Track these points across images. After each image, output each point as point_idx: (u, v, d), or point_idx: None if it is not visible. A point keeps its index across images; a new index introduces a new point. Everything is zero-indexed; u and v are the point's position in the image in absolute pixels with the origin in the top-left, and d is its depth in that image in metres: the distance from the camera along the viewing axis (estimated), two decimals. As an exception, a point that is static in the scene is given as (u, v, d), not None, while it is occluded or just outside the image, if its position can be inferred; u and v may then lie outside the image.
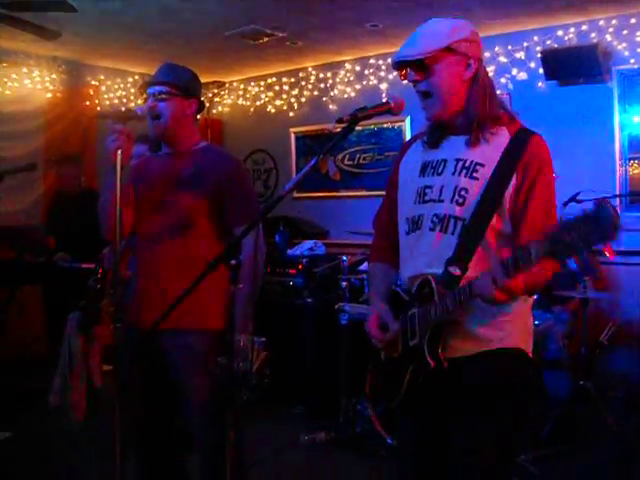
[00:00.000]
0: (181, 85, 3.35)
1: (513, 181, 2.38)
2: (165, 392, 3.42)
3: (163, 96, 3.31)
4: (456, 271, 2.35)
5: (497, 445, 2.43)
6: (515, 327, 2.48)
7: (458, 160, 2.49)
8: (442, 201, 2.48)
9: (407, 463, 2.73)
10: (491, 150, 2.45)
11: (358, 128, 8.09)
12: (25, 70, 8.02)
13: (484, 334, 2.42)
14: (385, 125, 8.16)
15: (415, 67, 2.50)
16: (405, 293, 2.61)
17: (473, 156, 2.47)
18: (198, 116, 3.62)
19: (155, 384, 3.42)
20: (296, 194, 8.87)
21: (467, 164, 2.46)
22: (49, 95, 8.26)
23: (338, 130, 2.40)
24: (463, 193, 2.43)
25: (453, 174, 2.48)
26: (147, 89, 3.39)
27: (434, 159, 2.58)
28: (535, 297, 4.81)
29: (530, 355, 2.54)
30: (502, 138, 2.47)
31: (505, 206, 2.39)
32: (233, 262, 2.41)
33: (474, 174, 2.44)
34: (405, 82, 2.59)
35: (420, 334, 2.43)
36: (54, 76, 8.28)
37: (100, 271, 4.58)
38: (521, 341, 2.51)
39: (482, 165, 2.43)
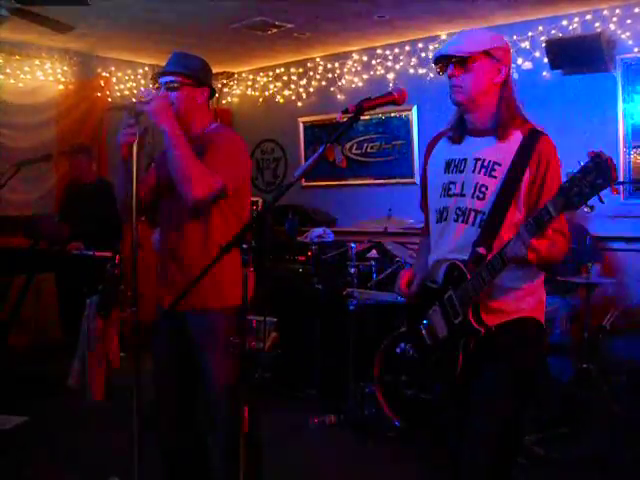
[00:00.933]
0: (191, 74, 3.40)
1: (526, 176, 2.70)
2: (188, 371, 3.48)
3: (174, 85, 3.36)
4: (483, 250, 2.70)
5: (514, 391, 2.77)
6: (530, 301, 2.83)
7: (477, 159, 2.81)
8: (464, 195, 2.83)
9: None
10: (506, 150, 2.76)
11: (366, 117, 8.23)
12: (37, 62, 8.12)
13: (506, 307, 2.78)
14: (392, 114, 8.21)
15: (456, 63, 2.80)
16: (432, 283, 2.96)
17: (491, 156, 2.79)
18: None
19: (178, 363, 3.48)
20: (305, 183, 8.98)
21: (486, 163, 2.79)
22: (61, 87, 8.38)
23: (344, 120, 2.57)
24: (483, 189, 2.77)
25: (473, 172, 2.82)
26: (158, 79, 3.45)
27: (456, 157, 2.91)
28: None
29: (543, 323, 2.89)
30: (516, 139, 2.77)
31: (520, 198, 2.72)
32: (245, 246, 2.52)
33: (492, 173, 2.76)
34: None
35: (463, 311, 2.74)
36: (66, 68, 8.40)
37: (117, 257, 4.69)
38: (536, 312, 2.85)
39: (499, 164, 2.75)
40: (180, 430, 3.55)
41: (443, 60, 2.86)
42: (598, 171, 2.19)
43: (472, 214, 2.79)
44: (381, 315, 5.74)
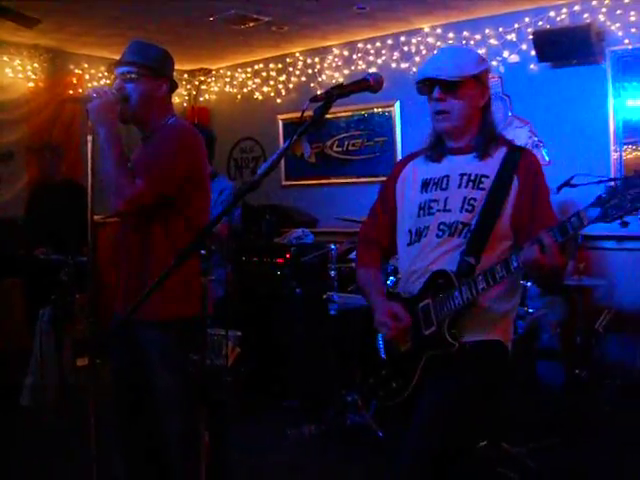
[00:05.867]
0: (149, 64, 3.19)
1: (515, 184, 2.69)
2: (143, 384, 3.28)
3: (131, 76, 3.16)
4: (471, 260, 2.63)
5: (467, 407, 2.67)
6: (504, 324, 2.79)
7: (462, 175, 2.77)
8: (449, 210, 2.75)
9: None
10: (492, 163, 2.75)
11: (347, 114, 8.08)
12: (6, 59, 7.88)
13: (479, 327, 2.69)
14: (374, 110, 8.03)
15: (442, 87, 2.74)
16: (404, 293, 2.85)
17: (477, 170, 2.76)
18: (178, 101, 3.49)
19: (133, 374, 3.30)
20: (284, 182, 8.82)
21: (472, 177, 2.75)
22: (31, 84, 8.13)
23: (313, 109, 2.42)
24: (472, 202, 2.71)
25: (459, 187, 2.76)
26: (115, 69, 3.25)
27: (435, 176, 2.85)
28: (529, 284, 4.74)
29: (508, 348, 2.82)
30: (500, 153, 2.78)
31: (508, 210, 2.68)
32: (202, 252, 2.29)
33: (480, 185, 2.73)
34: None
35: (438, 322, 2.64)
36: (36, 65, 8.14)
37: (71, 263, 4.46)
38: (506, 335, 2.80)
39: (487, 177, 2.73)
40: (140, 442, 3.37)
41: (428, 81, 2.78)
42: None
43: (460, 226, 2.71)
44: (363, 320, 5.52)
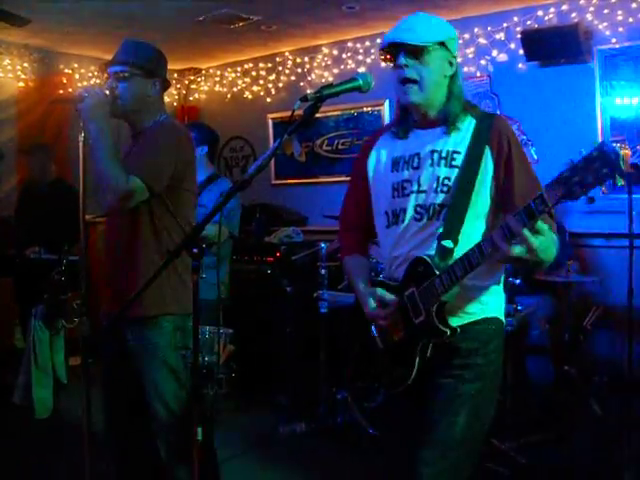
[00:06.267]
0: (142, 64, 3.21)
1: (488, 159, 2.57)
2: (133, 383, 3.29)
3: (123, 75, 3.18)
4: (449, 244, 2.53)
5: (478, 397, 2.61)
6: (494, 300, 2.72)
7: (433, 152, 2.64)
8: (424, 191, 2.64)
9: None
10: (461, 137, 2.63)
11: (337, 113, 8.08)
12: (-5, 58, 7.87)
13: (470, 307, 2.64)
14: (364, 109, 8.03)
15: (408, 53, 2.58)
16: (389, 280, 2.77)
17: (447, 146, 2.63)
18: (168, 100, 3.50)
19: (119, 378, 3.32)
20: (274, 181, 8.82)
21: (444, 154, 2.62)
22: (21, 84, 8.12)
23: (303, 109, 2.44)
24: (446, 182, 2.59)
25: (432, 165, 2.63)
26: (107, 69, 3.26)
27: (405, 154, 2.73)
28: (518, 282, 4.76)
29: (503, 322, 2.78)
30: (469, 124, 2.66)
31: (485, 184, 2.58)
32: (195, 250, 2.31)
33: (453, 162, 2.60)
34: (384, 65, 2.66)
35: (426, 310, 2.55)
36: (26, 64, 8.12)
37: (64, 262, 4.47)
38: (499, 311, 2.75)
39: (458, 152, 2.61)
40: (131, 441, 3.39)
41: (392, 48, 2.63)
42: (604, 160, 2.02)
43: (437, 208, 2.60)
44: (353, 318, 5.54)
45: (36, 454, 4.92)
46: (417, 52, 2.57)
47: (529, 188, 2.46)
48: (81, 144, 3.09)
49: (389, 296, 2.67)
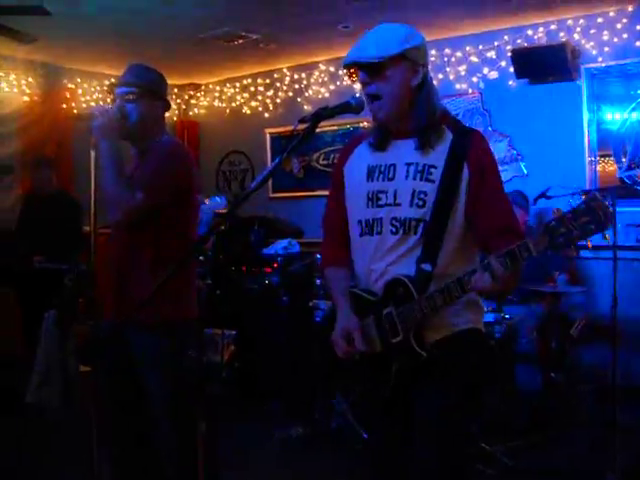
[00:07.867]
0: (148, 86, 3.36)
1: (465, 175, 2.50)
2: (135, 387, 3.37)
3: (130, 97, 3.31)
4: (427, 267, 2.48)
5: (459, 409, 2.58)
6: (471, 311, 2.63)
7: (409, 164, 2.58)
8: (399, 205, 2.57)
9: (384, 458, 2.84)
10: (438, 151, 2.55)
11: (333, 128, 8.19)
12: (1, 74, 8.00)
13: (450, 321, 2.57)
14: (360, 125, 8.10)
15: (367, 70, 2.54)
16: (367, 294, 2.68)
17: (424, 159, 2.56)
18: (168, 115, 3.63)
19: (125, 377, 3.38)
20: (272, 194, 8.94)
21: (420, 168, 2.55)
22: (26, 98, 8.25)
23: (302, 129, 2.47)
24: (422, 196, 2.52)
25: (407, 178, 2.57)
26: (115, 90, 3.40)
27: (381, 163, 2.66)
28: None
29: (482, 331, 2.72)
30: (446, 137, 2.58)
31: (461, 203, 2.51)
32: (201, 258, 2.47)
33: (429, 177, 2.53)
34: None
35: (404, 331, 2.51)
36: (31, 79, 8.26)
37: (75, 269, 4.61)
38: (477, 322, 2.67)
39: (435, 167, 2.53)
40: (133, 444, 3.45)
41: (354, 66, 2.60)
42: (592, 215, 2.04)
43: (412, 223, 2.53)
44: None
45: (46, 455, 5.00)
46: (374, 68, 2.51)
47: (501, 212, 2.51)
48: (92, 160, 3.22)
49: (359, 337, 2.59)
